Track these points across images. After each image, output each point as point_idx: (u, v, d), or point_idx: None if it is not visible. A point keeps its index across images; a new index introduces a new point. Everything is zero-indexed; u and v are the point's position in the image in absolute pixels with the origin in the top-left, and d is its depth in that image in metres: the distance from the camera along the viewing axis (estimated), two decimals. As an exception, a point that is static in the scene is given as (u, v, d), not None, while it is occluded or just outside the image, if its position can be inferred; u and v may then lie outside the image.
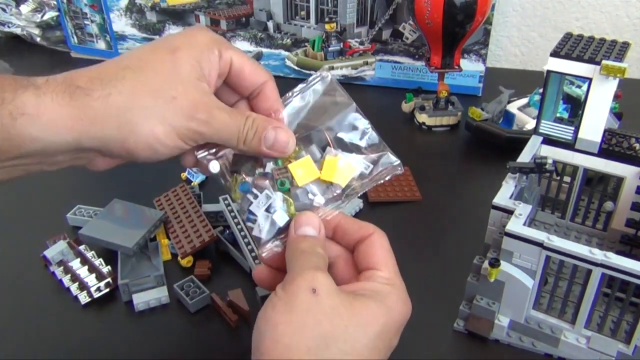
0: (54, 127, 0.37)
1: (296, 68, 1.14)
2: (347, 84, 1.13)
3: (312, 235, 0.43)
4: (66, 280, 0.65)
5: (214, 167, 0.45)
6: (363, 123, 0.48)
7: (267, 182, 0.44)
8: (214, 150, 0.45)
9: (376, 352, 0.38)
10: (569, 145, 0.63)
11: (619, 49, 0.58)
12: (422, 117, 0.97)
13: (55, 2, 1.20)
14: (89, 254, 0.67)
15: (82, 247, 0.68)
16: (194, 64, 0.41)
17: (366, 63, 1.11)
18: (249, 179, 0.45)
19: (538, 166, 0.58)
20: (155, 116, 0.39)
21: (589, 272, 0.51)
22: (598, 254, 0.49)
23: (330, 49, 1.11)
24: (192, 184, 0.81)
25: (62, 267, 0.66)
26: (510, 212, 0.55)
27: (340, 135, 0.47)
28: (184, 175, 0.83)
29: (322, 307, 0.37)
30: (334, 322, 0.37)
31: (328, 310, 0.37)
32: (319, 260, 0.41)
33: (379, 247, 0.44)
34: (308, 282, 0.38)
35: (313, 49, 1.11)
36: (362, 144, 0.47)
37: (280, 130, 0.44)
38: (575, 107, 0.75)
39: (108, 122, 0.38)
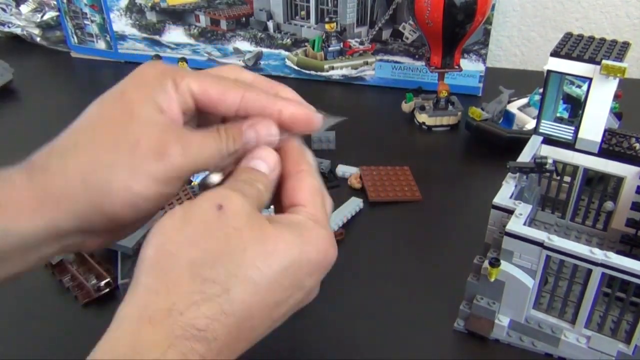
0: (21, 216, 0.33)
1: (296, 68, 1.14)
2: (347, 84, 1.13)
3: (262, 171, 0.38)
4: (66, 279, 0.65)
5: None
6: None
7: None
8: None
9: (278, 287, 0.33)
10: (569, 145, 0.63)
11: (619, 49, 0.58)
12: (422, 117, 0.97)
13: (55, 2, 1.21)
14: (89, 254, 0.67)
15: (82, 247, 0.68)
16: (148, 100, 0.36)
17: (366, 63, 1.11)
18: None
19: (538, 166, 0.58)
20: (123, 170, 0.34)
21: (589, 271, 0.51)
22: (598, 254, 0.49)
23: (330, 49, 1.11)
24: (192, 183, 0.81)
25: (61, 267, 0.66)
26: (510, 212, 0.55)
27: None
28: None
29: (223, 224, 0.33)
30: (231, 241, 0.32)
31: (229, 229, 0.33)
32: (249, 189, 0.35)
33: (308, 184, 0.38)
34: (216, 198, 0.33)
35: (313, 49, 1.11)
36: None
37: (258, 125, 0.38)
38: (575, 107, 0.75)
39: (74, 194, 0.34)
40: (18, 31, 1.27)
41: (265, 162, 0.38)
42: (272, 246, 0.33)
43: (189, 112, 0.38)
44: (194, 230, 0.32)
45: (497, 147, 0.87)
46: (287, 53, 1.14)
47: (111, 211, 0.35)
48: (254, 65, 1.16)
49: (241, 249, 0.32)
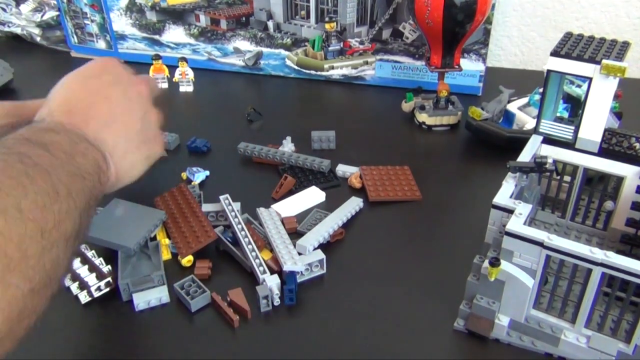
0: None
1: (296, 68, 1.14)
2: (347, 83, 1.13)
3: None
4: (66, 279, 0.65)
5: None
6: None
7: None
8: None
9: (78, 76, 0.58)
10: (569, 145, 0.63)
11: (619, 49, 0.58)
12: (422, 117, 0.97)
13: (55, 2, 1.21)
14: (89, 254, 0.67)
15: (82, 247, 0.68)
16: None
17: (366, 63, 1.11)
18: None
19: (538, 165, 0.58)
20: None
21: (589, 271, 0.51)
22: (598, 253, 0.49)
23: (330, 48, 1.11)
24: (192, 183, 0.81)
25: (62, 267, 0.66)
26: (510, 212, 0.55)
27: None
28: (184, 175, 0.83)
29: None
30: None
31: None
32: None
33: None
34: None
35: (313, 48, 1.11)
36: None
37: None
38: (576, 107, 0.75)
39: None
40: (18, 31, 1.27)
41: None
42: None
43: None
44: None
45: (497, 146, 0.87)
46: (287, 53, 1.14)
47: None
48: (254, 65, 1.16)
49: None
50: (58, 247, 0.42)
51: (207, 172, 0.84)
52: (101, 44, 1.20)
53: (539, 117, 0.64)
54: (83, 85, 0.57)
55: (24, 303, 0.38)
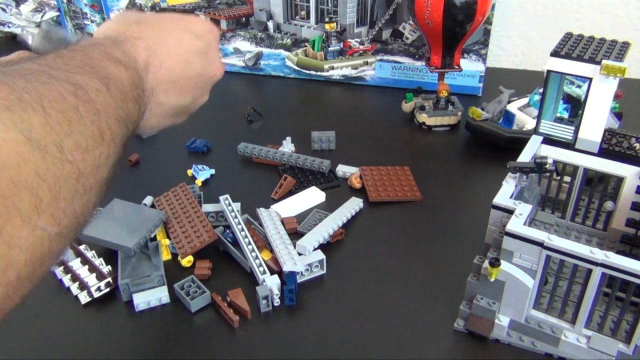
0: None
1: (296, 68, 1.14)
2: (347, 84, 1.13)
3: None
4: (66, 280, 0.65)
5: None
6: None
7: None
8: None
9: (164, 15, 0.57)
10: (569, 145, 0.63)
11: (619, 49, 0.58)
12: (422, 117, 0.97)
13: (55, 2, 1.21)
14: (89, 254, 0.67)
15: (82, 247, 0.68)
16: None
17: (366, 63, 1.11)
18: None
19: (538, 166, 0.58)
20: None
21: (589, 271, 0.51)
22: (598, 254, 0.49)
23: (330, 48, 1.11)
24: (196, 181, 0.81)
25: (62, 267, 0.66)
26: (510, 212, 0.55)
27: None
28: (189, 172, 0.84)
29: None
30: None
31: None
32: None
33: None
34: None
35: (313, 48, 1.11)
36: None
37: None
38: (575, 107, 0.75)
39: None
40: (18, 31, 1.27)
41: None
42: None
43: None
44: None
45: (497, 147, 0.87)
46: (287, 53, 1.14)
47: None
48: (254, 65, 1.16)
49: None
50: (91, 193, 0.39)
51: (212, 171, 0.84)
52: (101, 44, 1.20)
53: (539, 118, 0.64)
54: (178, 36, 0.54)
55: (49, 246, 0.36)
